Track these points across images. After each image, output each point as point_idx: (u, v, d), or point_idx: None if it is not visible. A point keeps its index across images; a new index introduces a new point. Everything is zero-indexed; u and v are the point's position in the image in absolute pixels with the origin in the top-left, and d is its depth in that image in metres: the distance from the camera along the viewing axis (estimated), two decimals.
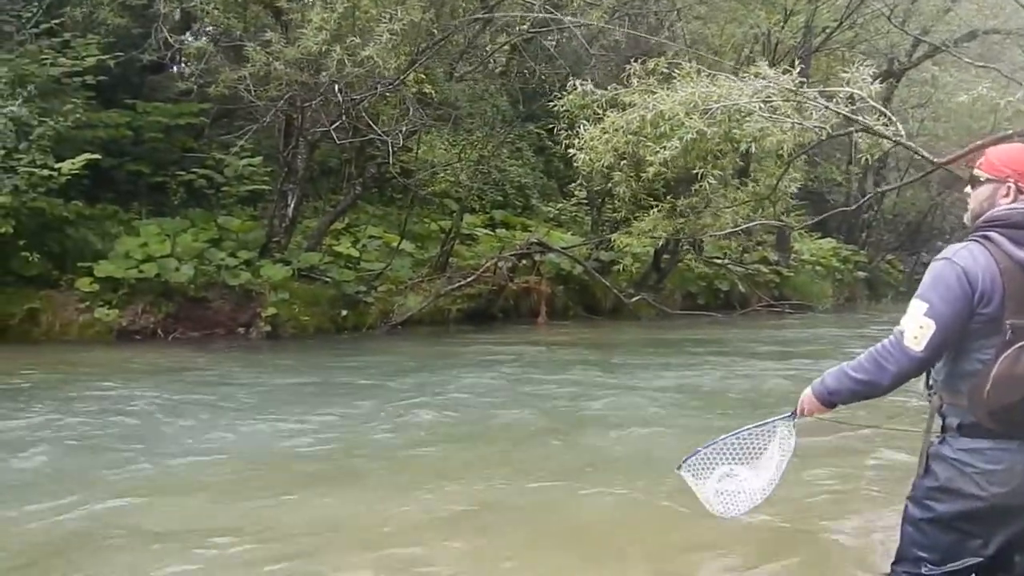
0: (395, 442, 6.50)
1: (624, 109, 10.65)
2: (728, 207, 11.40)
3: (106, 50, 12.11)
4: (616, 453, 6.25)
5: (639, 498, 5.06)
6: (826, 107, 9.39)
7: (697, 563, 4.15)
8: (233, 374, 9.39)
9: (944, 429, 2.52)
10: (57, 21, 11.90)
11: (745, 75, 10.51)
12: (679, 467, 2.87)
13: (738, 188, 11.99)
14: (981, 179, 2.54)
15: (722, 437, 2.84)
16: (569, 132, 11.33)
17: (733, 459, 2.82)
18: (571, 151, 10.84)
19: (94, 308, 11.26)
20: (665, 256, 17.00)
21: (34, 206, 10.87)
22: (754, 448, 2.81)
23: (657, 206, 12.00)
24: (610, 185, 11.17)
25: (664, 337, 13.60)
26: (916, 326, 2.37)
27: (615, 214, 16.38)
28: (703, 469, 2.84)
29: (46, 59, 11.56)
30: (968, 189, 2.59)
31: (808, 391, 2.64)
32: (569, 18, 12.97)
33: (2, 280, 11.01)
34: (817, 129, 9.71)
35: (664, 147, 9.83)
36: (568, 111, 11.43)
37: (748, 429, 2.82)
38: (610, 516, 4.83)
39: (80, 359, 9.92)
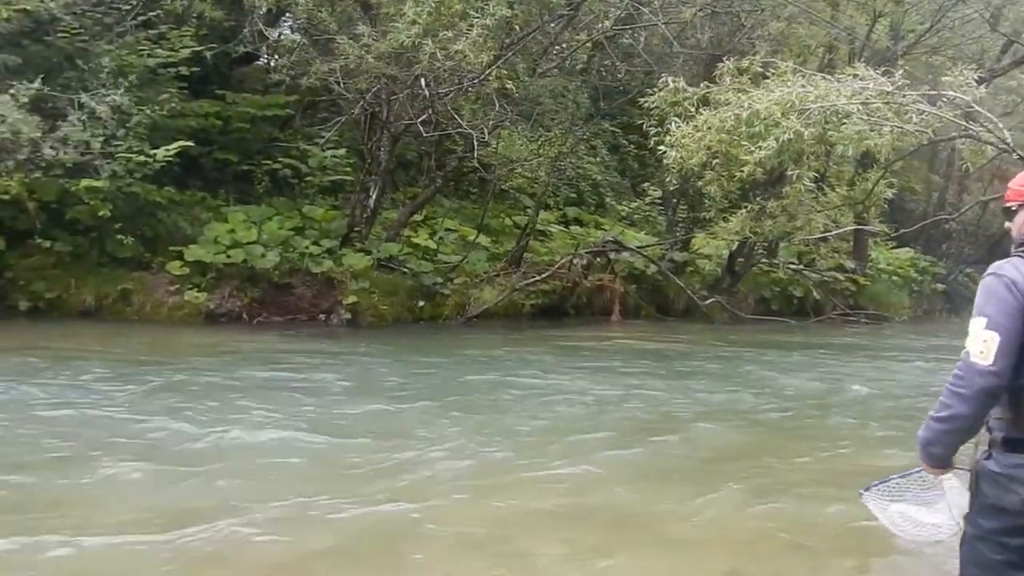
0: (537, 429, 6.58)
1: (716, 107, 10.58)
2: (819, 211, 11.19)
3: (200, 42, 12.35)
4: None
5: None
6: (929, 112, 9.20)
7: None
8: (374, 359, 9.64)
9: (990, 444, 2.47)
10: (154, 13, 12.16)
11: (841, 76, 10.35)
12: (862, 493, 2.83)
13: (829, 191, 11.78)
14: (1013, 208, 2.58)
15: (895, 477, 2.78)
16: (659, 129, 11.26)
17: (909, 499, 2.77)
18: (661, 148, 10.77)
19: (184, 291, 11.52)
20: (739, 259, 16.81)
21: (129, 191, 11.15)
22: (925, 494, 2.74)
23: (746, 207, 11.85)
24: (701, 184, 11.03)
25: (761, 339, 13.47)
26: (980, 342, 2.35)
27: (694, 214, 16.29)
28: (884, 498, 2.80)
29: (143, 50, 11.85)
30: (1007, 223, 2.61)
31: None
32: (658, 17, 12.86)
33: (98, 261, 11.34)
34: (918, 133, 9.53)
35: (759, 147, 9.72)
36: (658, 108, 11.37)
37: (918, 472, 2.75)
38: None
39: (182, 339, 10.18)
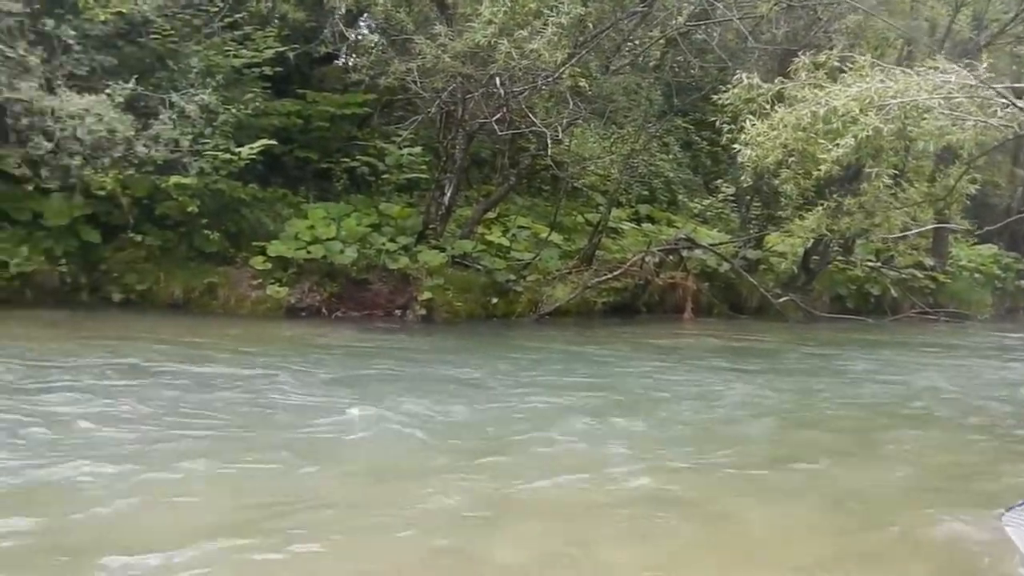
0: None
1: (792, 104, 10.49)
2: (898, 207, 11.02)
3: (283, 43, 12.73)
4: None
5: None
6: (1015, 105, 9.00)
7: None
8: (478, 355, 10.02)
9: None
10: (240, 15, 12.58)
11: (921, 70, 10.18)
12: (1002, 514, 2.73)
13: (908, 188, 11.58)
14: None
15: None
16: (733, 126, 11.21)
17: None
18: (735, 147, 10.72)
19: (266, 285, 11.88)
20: (815, 257, 16.61)
21: (215, 187, 11.55)
22: None
23: (822, 204, 11.73)
24: (777, 182, 10.97)
25: (850, 337, 13.45)
26: None
27: (768, 211, 16.15)
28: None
29: (229, 51, 12.26)
30: None
31: None
32: (732, 12, 12.79)
33: (186, 255, 11.77)
34: (1002, 128, 9.33)
35: (837, 144, 9.62)
36: (732, 105, 11.32)
37: None
38: None
39: (274, 331, 10.68)
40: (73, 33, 10.23)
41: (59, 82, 10.03)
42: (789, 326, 15.21)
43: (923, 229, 11.78)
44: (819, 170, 9.98)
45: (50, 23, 10.05)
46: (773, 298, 15.53)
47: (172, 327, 10.12)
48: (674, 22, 14.25)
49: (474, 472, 5.22)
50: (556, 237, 15.15)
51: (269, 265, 11.93)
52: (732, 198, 17.72)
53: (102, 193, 10.58)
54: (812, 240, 15.33)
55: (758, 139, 10.34)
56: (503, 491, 4.84)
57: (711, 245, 15.88)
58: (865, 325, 15.78)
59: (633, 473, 5.27)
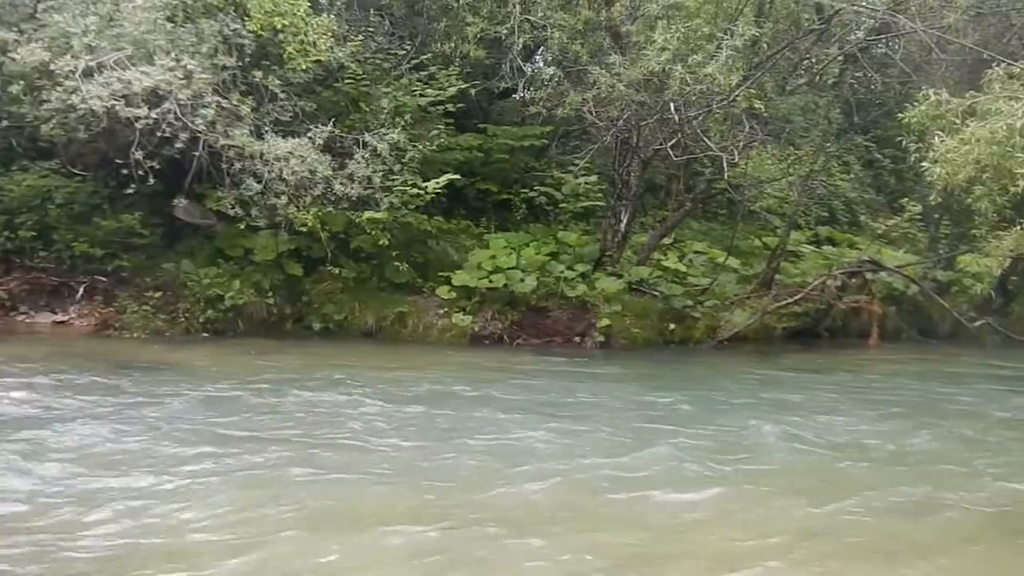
0: None
1: (984, 118, 10.03)
2: None
3: (464, 80, 13.35)
4: None
5: None
6: None
7: None
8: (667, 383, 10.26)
9: None
10: (425, 56, 13.30)
11: None
12: None
13: None
14: None
15: None
16: (920, 144, 10.83)
17: None
18: (923, 165, 10.34)
19: (451, 314, 12.40)
20: (1013, 278, 15.64)
21: (404, 221, 12.22)
22: None
23: (1021, 223, 11.11)
24: (970, 200, 10.49)
25: None
26: None
27: (959, 230, 15.37)
28: None
29: (416, 91, 12.99)
30: None
31: None
32: (916, 24, 12.34)
33: (378, 286, 12.49)
34: None
35: None
36: (918, 122, 10.93)
37: None
38: None
39: (467, 359, 11.28)
40: (278, 82, 11.12)
41: (266, 128, 10.93)
42: (988, 351, 14.36)
43: None
44: (1017, 186, 9.49)
45: (258, 74, 10.99)
46: (967, 322, 14.71)
47: (387, 354, 10.95)
48: (853, 37, 13.93)
49: None
50: (733, 261, 14.98)
51: (454, 294, 12.44)
52: (919, 217, 16.94)
53: (304, 229, 11.38)
54: (1010, 260, 14.46)
55: (948, 155, 9.96)
56: None
57: (897, 267, 15.24)
58: None
59: None
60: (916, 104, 10.77)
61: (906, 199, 17.46)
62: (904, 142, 11.24)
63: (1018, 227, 11.29)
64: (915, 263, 15.78)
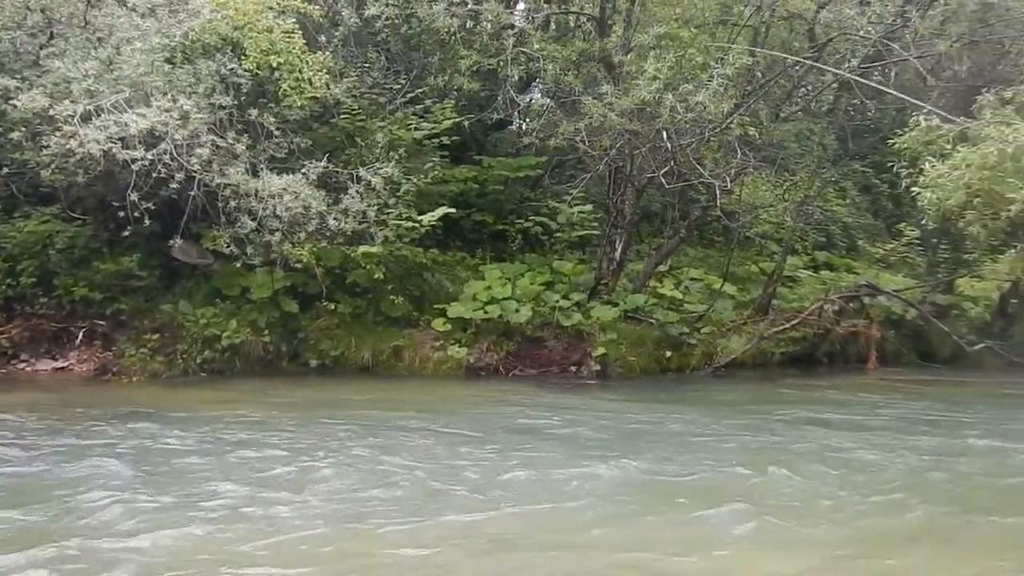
0: None
1: (976, 143, 10.06)
2: None
3: (459, 113, 13.42)
4: None
5: None
6: None
7: None
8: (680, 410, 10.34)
9: None
10: (420, 90, 13.39)
11: None
12: None
13: None
14: None
15: None
16: (911, 170, 10.86)
17: None
18: (915, 190, 10.37)
19: (447, 346, 12.39)
20: (1012, 301, 15.62)
21: (399, 254, 12.24)
22: None
23: (1016, 246, 11.12)
24: (962, 224, 10.51)
25: None
26: None
27: (956, 254, 15.37)
28: None
29: (411, 124, 13.06)
30: None
31: None
32: (910, 52, 12.41)
33: (374, 320, 12.48)
34: None
35: None
36: (909, 148, 10.97)
37: None
38: None
39: (461, 391, 11.25)
40: (273, 120, 11.18)
41: (262, 165, 10.96)
42: (989, 375, 14.31)
43: None
44: (1009, 210, 9.49)
45: (254, 112, 11.06)
46: (967, 345, 14.67)
47: (382, 389, 11.00)
48: (847, 65, 13.99)
49: None
50: (730, 288, 15.00)
51: (449, 326, 12.44)
52: (918, 241, 16.95)
53: (299, 266, 11.37)
54: (1009, 284, 14.45)
55: (939, 180, 9.98)
56: None
57: (895, 291, 15.24)
58: None
59: None
60: (908, 131, 10.86)
61: (904, 224, 17.50)
62: (896, 167, 11.26)
63: (1013, 251, 11.30)
64: (913, 287, 15.79)
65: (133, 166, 9.94)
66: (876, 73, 14.93)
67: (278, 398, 10.18)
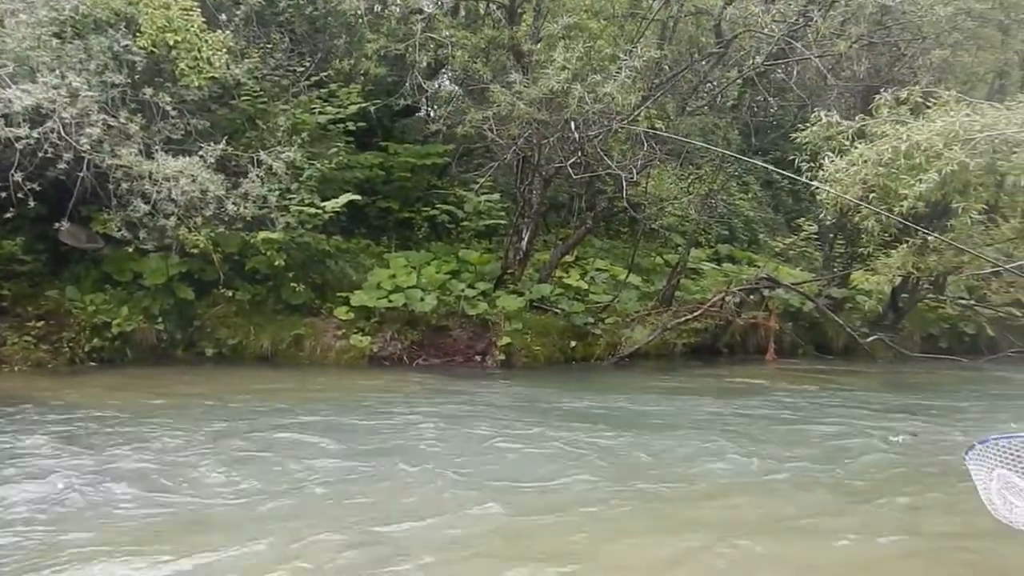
0: None
1: (872, 140, 10.36)
2: (991, 244, 10.74)
3: (365, 98, 13.13)
4: None
5: None
6: None
7: None
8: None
9: None
10: (325, 73, 13.04)
11: (1012, 104, 9.95)
12: (966, 453, 2.62)
13: (1002, 223, 11.27)
14: None
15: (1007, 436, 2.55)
16: (811, 164, 11.11)
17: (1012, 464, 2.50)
18: (814, 184, 10.62)
19: (350, 335, 12.13)
20: (903, 295, 16.18)
21: (301, 241, 11.90)
22: None
23: (907, 242, 11.49)
24: (857, 219, 10.82)
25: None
26: None
27: (852, 249, 15.83)
28: (993, 459, 2.54)
29: (315, 108, 12.72)
30: None
31: None
32: (811, 51, 12.69)
33: (274, 308, 12.13)
34: None
35: (920, 179, 9.46)
36: (810, 143, 11.23)
37: None
38: None
39: (359, 380, 10.93)
40: (170, 100, 10.70)
41: (157, 147, 10.50)
42: (880, 366, 14.80)
43: (1018, 264, 11.35)
44: (901, 206, 9.81)
45: (149, 91, 10.56)
46: (860, 337, 15.15)
47: (287, 379, 10.65)
48: (751, 62, 14.25)
49: None
50: (634, 279, 15.13)
51: (352, 315, 12.19)
52: (815, 236, 17.42)
53: (195, 251, 10.96)
54: (900, 278, 14.95)
55: (836, 176, 10.25)
56: None
57: (793, 284, 15.62)
58: (960, 365, 15.21)
59: None
60: (810, 126, 11.11)
61: (803, 219, 17.98)
62: (797, 162, 11.51)
63: (904, 246, 11.67)
64: (811, 280, 16.20)
65: (17, 144, 9.41)
66: (780, 70, 15.24)
67: (163, 388, 9.76)
